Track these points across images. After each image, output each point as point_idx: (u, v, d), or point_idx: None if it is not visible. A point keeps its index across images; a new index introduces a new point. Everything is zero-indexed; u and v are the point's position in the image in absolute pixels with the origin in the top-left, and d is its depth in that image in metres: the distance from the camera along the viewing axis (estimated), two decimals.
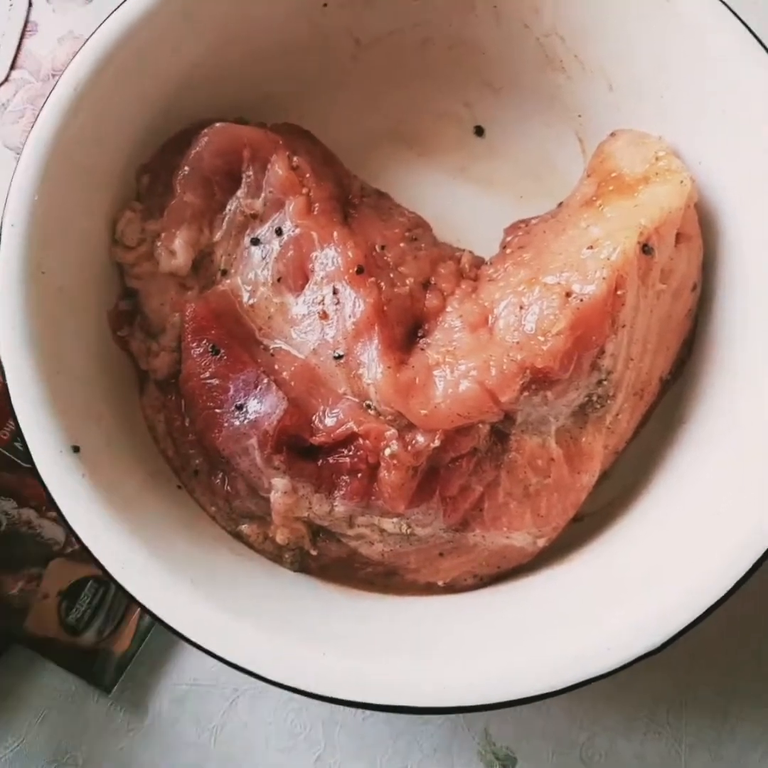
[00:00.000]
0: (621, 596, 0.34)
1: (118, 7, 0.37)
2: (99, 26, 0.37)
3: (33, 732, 0.42)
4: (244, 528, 0.37)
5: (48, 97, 0.35)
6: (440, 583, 0.38)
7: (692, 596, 0.32)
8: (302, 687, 0.31)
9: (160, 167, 0.39)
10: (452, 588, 0.38)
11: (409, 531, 0.37)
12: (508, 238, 0.43)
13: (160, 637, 0.42)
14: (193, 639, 0.31)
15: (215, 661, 0.41)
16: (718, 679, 0.42)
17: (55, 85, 0.36)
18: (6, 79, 0.50)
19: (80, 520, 0.31)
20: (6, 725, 0.42)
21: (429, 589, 0.38)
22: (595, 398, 0.37)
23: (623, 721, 0.41)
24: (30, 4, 0.51)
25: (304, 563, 0.38)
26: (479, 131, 0.47)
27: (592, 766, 0.41)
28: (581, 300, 0.35)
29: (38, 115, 0.35)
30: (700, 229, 0.40)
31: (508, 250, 0.42)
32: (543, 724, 0.41)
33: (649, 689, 0.42)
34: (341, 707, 0.41)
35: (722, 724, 0.41)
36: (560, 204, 0.44)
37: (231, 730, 0.41)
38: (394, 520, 0.36)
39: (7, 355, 0.32)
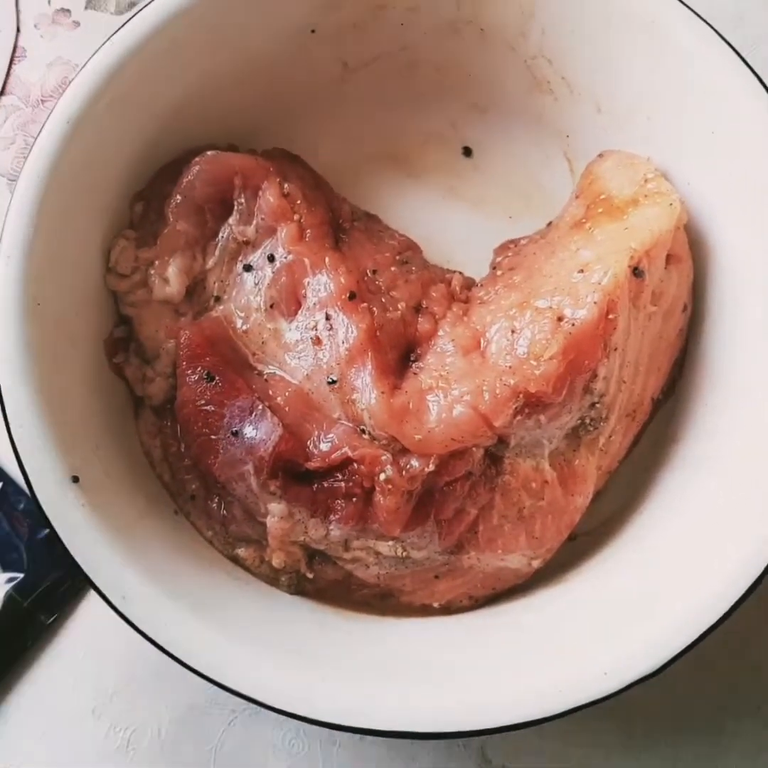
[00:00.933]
0: (617, 620, 0.34)
1: (110, 37, 0.37)
2: (91, 57, 0.37)
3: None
4: (241, 552, 0.38)
5: (41, 130, 0.36)
6: (436, 604, 0.39)
7: (690, 619, 0.32)
8: (301, 713, 0.31)
9: (152, 195, 0.40)
10: (448, 609, 0.39)
11: (404, 554, 0.37)
12: (498, 259, 0.43)
13: (160, 658, 0.42)
14: (194, 667, 0.31)
15: None
16: (714, 694, 0.42)
17: (47, 118, 0.36)
18: None
19: (81, 551, 0.31)
20: None
21: (425, 610, 0.39)
22: (587, 421, 0.38)
23: (619, 737, 0.42)
24: (18, 30, 0.51)
25: (300, 586, 0.38)
26: (467, 152, 0.48)
27: None
28: (573, 324, 0.36)
29: (32, 148, 0.35)
30: (690, 251, 0.40)
31: (499, 272, 0.42)
32: (538, 741, 0.41)
33: (646, 705, 0.42)
34: None
35: (718, 740, 0.42)
36: (549, 223, 0.44)
37: (230, 750, 0.41)
38: (390, 543, 0.37)
39: (6, 387, 0.32)
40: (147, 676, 0.42)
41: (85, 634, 0.43)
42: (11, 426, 0.32)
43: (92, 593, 0.43)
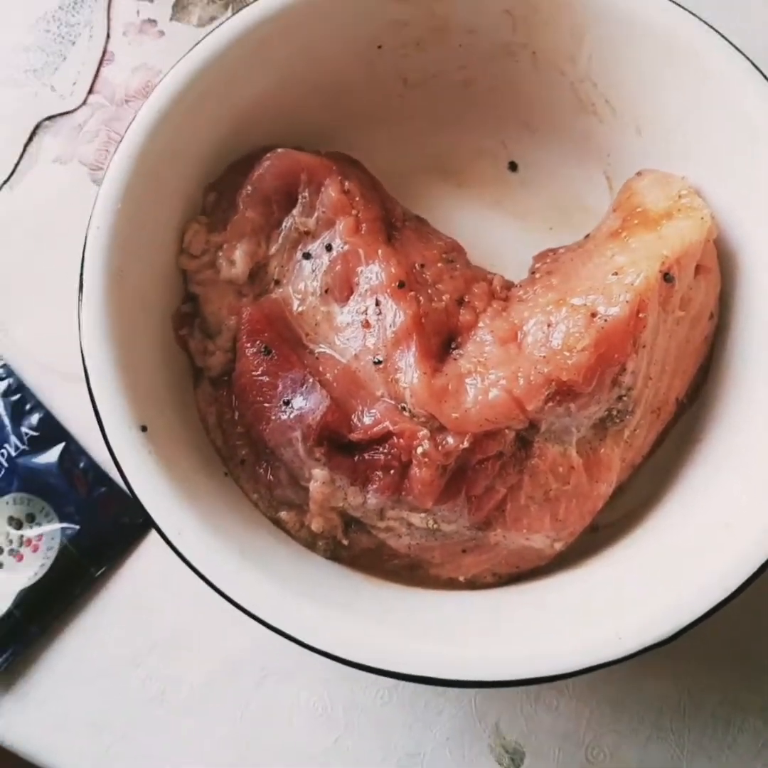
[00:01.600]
0: (634, 595, 0.36)
1: (198, 42, 0.41)
2: (180, 60, 0.41)
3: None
4: (283, 515, 0.41)
5: (131, 122, 0.40)
6: (461, 578, 0.41)
7: (703, 592, 0.35)
8: (346, 656, 0.33)
9: (224, 186, 0.43)
10: (473, 584, 0.41)
11: (435, 526, 0.40)
12: (537, 265, 0.46)
13: (196, 616, 0.45)
14: (242, 604, 0.33)
15: (246, 640, 0.44)
16: (722, 690, 0.44)
17: (137, 112, 0.40)
18: (84, 103, 0.55)
19: (145, 490, 0.34)
20: None
21: (451, 584, 0.41)
22: (614, 413, 0.40)
23: (629, 724, 0.43)
24: (108, 36, 0.56)
25: (336, 552, 0.41)
26: (513, 167, 0.51)
27: (596, 766, 0.43)
28: (605, 320, 0.38)
29: (125, 134, 0.39)
30: (719, 263, 0.43)
31: (537, 275, 0.45)
32: (551, 722, 0.43)
33: (655, 696, 0.44)
34: (362, 691, 0.43)
35: (724, 734, 0.43)
36: (587, 236, 0.47)
37: (257, 708, 0.44)
38: (422, 514, 0.39)
39: (88, 345, 0.36)
40: (184, 632, 0.45)
41: (129, 589, 0.46)
42: (91, 379, 0.36)
43: (138, 552, 0.46)
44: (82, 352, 0.36)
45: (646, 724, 0.43)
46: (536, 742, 0.43)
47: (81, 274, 0.37)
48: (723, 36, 0.42)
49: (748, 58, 0.41)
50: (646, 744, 0.43)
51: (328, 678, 0.44)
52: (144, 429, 0.35)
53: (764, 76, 0.41)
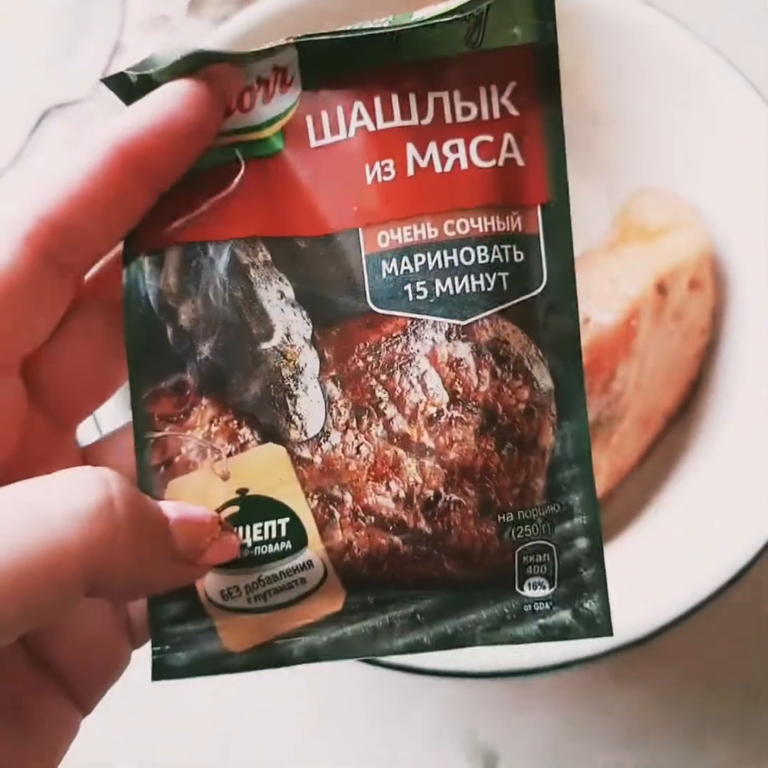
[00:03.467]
0: (613, 595, 0.36)
1: (204, 39, 0.42)
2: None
3: None
4: None
5: None
6: None
7: (680, 596, 0.35)
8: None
9: None
10: None
11: None
12: None
13: None
14: None
15: None
16: (697, 702, 0.44)
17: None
18: (93, 93, 0.55)
19: None
20: None
21: None
22: (603, 419, 0.41)
23: (602, 731, 0.43)
24: (121, 29, 0.57)
25: None
26: None
27: None
28: (598, 326, 0.39)
29: None
30: (713, 280, 0.44)
31: None
32: (526, 729, 0.43)
33: (630, 705, 0.44)
34: (336, 694, 0.43)
35: (697, 746, 0.43)
36: (586, 251, 0.48)
37: (233, 706, 0.44)
38: None
39: None
40: None
41: None
42: None
43: None
44: None
45: (619, 732, 0.43)
46: (510, 748, 0.43)
47: None
48: (730, 62, 0.43)
49: (753, 85, 0.42)
50: (620, 752, 0.43)
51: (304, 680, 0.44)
52: None
53: (765, 104, 0.42)
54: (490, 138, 0.22)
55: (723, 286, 0.44)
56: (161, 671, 0.21)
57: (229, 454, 0.21)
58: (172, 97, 0.21)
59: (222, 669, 0.21)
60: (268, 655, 0.21)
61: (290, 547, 0.21)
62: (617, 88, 0.47)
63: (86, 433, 0.24)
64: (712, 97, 0.43)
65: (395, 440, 0.21)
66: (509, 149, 0.22)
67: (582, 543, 0.22)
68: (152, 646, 0.22)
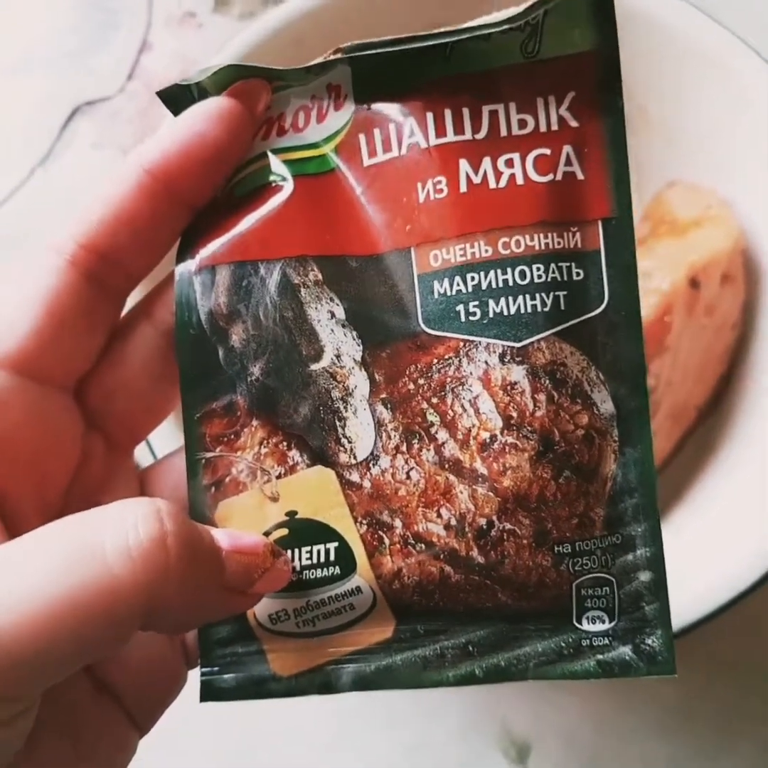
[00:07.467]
0: None
1: (233, 38, 0.42)
2: (224, 45, 0.42)
3: None
4: None
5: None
6: None
7: (710, 593, 0.35)
8: None
9: None
10: None
11: None
12: None
13: None
14: None
15: None
16: (725, 694, 0.44)
17: None
18: (122, 90, 0.56)
19: None
20: None
21: None
22: None
23: (633, 724, 0.44)
24: (149, 25, 0.57)
25: None
26: None
27: (600, 764, 0.43)
28: None
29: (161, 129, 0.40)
30: (745, 274, 0.43)
31: None
32: (558, 720, 0.43)
33: (660, 697, 0.44)
34: None
35: (727, 738, 0.43)
36: None
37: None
38: None
39: None
40: None
41: None
42: None
43: None
44: None
45: (650, 724, 0.44)
46: (542, 739, 0.43)
47: None
48: (761, 57, 0.42)
49: None
50: (651, 745, 0.43)
51: None
52: None
53: None
54: (547, 151, 0.21)
55: (754, 280, 0.44)
56: (210, 693, 0.21)
57: (279, 476, 0.21)
58: (203, 117, 0.21)
59: (268, 693, 0.21)
60: (315, 681, 0.21)
61: (339, 572, 0.21)
62: (648, 83, 0.46)
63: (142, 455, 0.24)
64: (742, 90, 0.43)
65: (447, 466, 0.20)
66: (568, 162, 0.21)
67: (644, 576, 0.21)
68: (201, 668, 0.22)
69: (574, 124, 0.21)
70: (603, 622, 0.21)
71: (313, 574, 0.21)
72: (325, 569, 0.21)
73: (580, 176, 0.21)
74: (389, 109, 0.21)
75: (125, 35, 0.57)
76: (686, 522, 0.42)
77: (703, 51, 0.43)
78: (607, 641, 0.21)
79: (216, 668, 0.21)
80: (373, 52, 0.21)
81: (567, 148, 0.21)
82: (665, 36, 0.43)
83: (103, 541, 0.17)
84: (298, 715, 0.44)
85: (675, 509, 0.43)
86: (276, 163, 0.22)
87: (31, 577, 0.16)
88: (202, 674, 0.21)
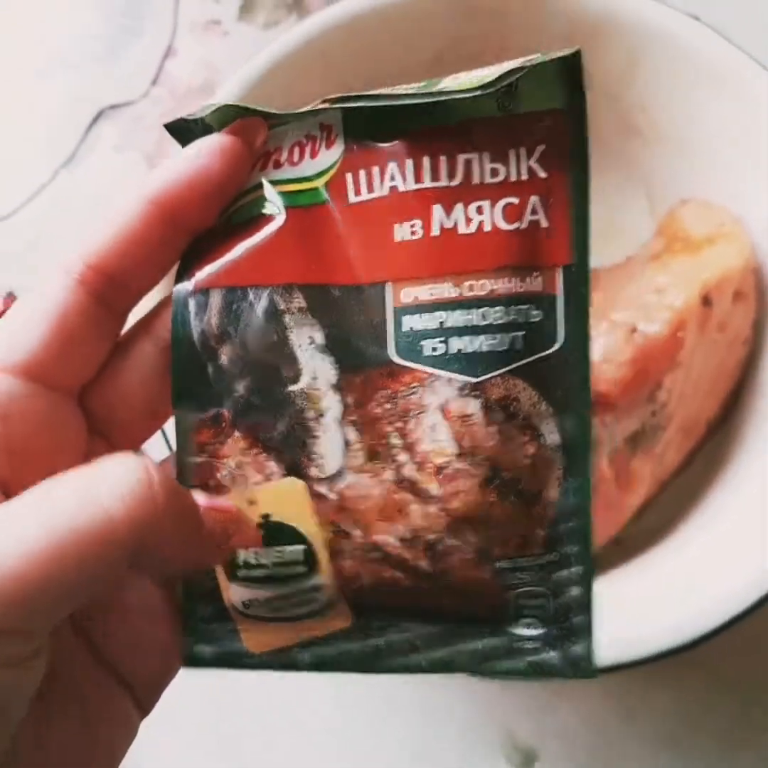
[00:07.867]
0: (649, 605, 0.37)
1: (260, 51, 0.43)
2: (252, 58, 0.43)
3: None
4: None
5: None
6: None
7: (717, 607, 0.36)
8: None
9: None
10: None
11: None
12: None
13: None
14: None
15: None
16: (731, 705, 0.44)
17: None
18: (146, 94, 0.57)
19: None
20: None
21: None
22: (647, 428, 0.41)
23: (639, 733, 0.44)
24: (174, 32, 0.58)
25: None
26: None
27: None
28: (644, 337, 0.40)
29: None
30: (756, 291, 0.44)
31: None
32: (563, 727, 0.44)
33: (665, 707, 0.44)
34: (370, 687, 0.44)
35: (731, 748, 0.44)
36: (629, 257, 0.48)
37: (260, 699, 0.45)
38: None
39: None
40: None
41: None
42: None
43: None
44: None
45: (657, 733, 0.44)
46: (547, 747, 0.44)
47: None
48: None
49: None
50: (655, 754, 0.44)
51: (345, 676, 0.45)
52: None
53: None
54: (515, 200, 0.22)
55: (764, 297, 0.45)
56: (191, 660, 0.24)
57: (256, 483, 0.23)
58: (206, 152, 0.23)
59: (242, 666, 0.24)
60: (282, 659, 0.24)
61: (305, 570, 0.23)
62: (661, 101, 0.47)
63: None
64: (755, 108, 0.43)
65: (404, 485, 0.23)
66: (534, 211, 0.22)
67: (575, 591, 0.23)
68: (184, 637, 0.24)
69: (542, 175, 0.22)
70: (536, 628, 0.23)
71: (282, 571, 0.24)
72: (292, 567, 0.24)
73: (545, 224, 0.22)
74: (374, 153, 0.23)
75: (150, 41, 0.58)
76: (692, 537, 0.42)
77: (717, 70, 0.44)
78: (538, 645, 0.23)
79: (197, 640, 0.24)
80: (358, 105, 0.23)
81: (534, 198, 0.22)
82: (680, 55, 0.44)
83: (98, 486, 0.20)
84: (297, 721, 0.44)
85: (681, 524, 0.43)
86: (271, 194, 0.24)
87: (40, 515, 0.19)
88: (185, 644, 0.24)
